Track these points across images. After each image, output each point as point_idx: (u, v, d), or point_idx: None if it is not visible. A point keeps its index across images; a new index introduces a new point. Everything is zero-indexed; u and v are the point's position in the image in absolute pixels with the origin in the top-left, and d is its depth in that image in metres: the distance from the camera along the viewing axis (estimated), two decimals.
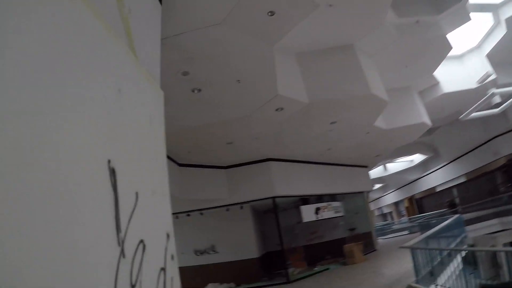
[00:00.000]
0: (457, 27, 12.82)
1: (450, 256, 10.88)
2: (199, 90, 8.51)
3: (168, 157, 12.11)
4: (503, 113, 21.07)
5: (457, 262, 11.48)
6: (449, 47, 13.16)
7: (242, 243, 16.08)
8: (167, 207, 3.33)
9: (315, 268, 16.66)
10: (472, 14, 12.64)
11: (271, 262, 17.43)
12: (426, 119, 15.71)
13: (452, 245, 13.70)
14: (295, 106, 10.11)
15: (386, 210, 53.71)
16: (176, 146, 11.57)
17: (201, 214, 15.68)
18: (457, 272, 10.24)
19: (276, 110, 10.00)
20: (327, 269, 16.34)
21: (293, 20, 8.05)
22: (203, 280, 15.88)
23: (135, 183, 2.54)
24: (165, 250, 3.02)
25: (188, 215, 15.74)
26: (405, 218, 42.00)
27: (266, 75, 8.84)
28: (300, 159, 16.27)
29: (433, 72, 15.39)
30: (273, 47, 8.61)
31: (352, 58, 10.33)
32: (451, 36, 13.06)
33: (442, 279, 9.38)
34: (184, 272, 14.58)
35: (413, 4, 11.38)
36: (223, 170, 14.60)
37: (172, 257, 3.15)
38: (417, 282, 9.07)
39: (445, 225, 14.01)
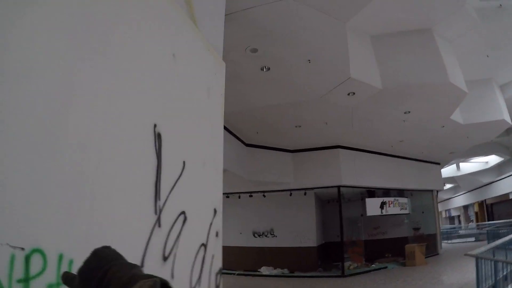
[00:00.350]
0: None
1: None
2: (268, 69, 8.27)
3: (235, 136, 12.12)
4: None
5: None
6: None
7: (301, 230, 15.87)
8: (218, 182, 3.22)
9: (373, 265, 16.16)
10: None
11: (329, 253, 17.21)
12: (507, 117, 14.50)
13: None
14: (368, 91, 9.66)
15: (454, 213, 51.84)
16: (244, 125, 11.52)
17: (264, 196, 15.57)
18: None
19: (348, 94, 9.62)
20: (385, 267, 15.82)
21: None
22: (258, 262, 15.87)
23: (183, 151, 2.45)
24: (209, 225, 2.92)
25: (251, 195, 15.71)
26: (473, 224, 40.05)
27: (338, 56, 8.46)
28: (369, 149, 15.75)
29: None
30: (346, 25, 8.21)
31: (430, 43, 9.71)
32: None
33: None
34: (240, 252, 14.72)
35: None
36: (290, 153, 14.41)
37: (217, 234, 3.05)
38: None
39: None
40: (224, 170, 10.58)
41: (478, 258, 8.13)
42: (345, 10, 7.84)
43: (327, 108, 10.52)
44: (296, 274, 14.91)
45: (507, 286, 8.22)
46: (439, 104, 11.28)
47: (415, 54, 9.63)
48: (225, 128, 10.78)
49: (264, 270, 15.43)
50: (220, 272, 3.11)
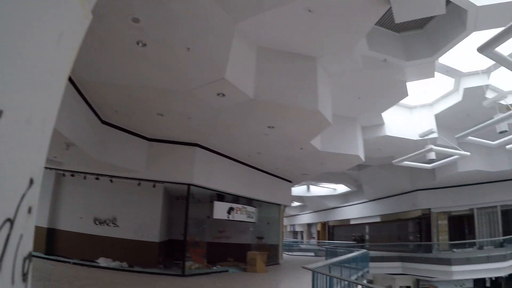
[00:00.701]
0: (419, 79, 13.31)
1: (349, 287, 10.60)
2: (144, 45, 7.57)
3: (93, 110, 11.05)
4: (432, 170, 22.51)
5: None
6: (405, 94, 13.46)
7: (145, 224, 15.25)
8: (42, 147, 2.60)
9: (214, 268, 16.10)
10: (437, 73, 13.20)
11: (171, 251, 16.72)
12: (361, 154, 15.99)
13: (353, 277, 13.55)
14: (239, 97, 9.52)
15: (298, 229, 54.72)
16: (105, 100, 10.48)
17: (111, 181, 14.59)
18: None
19: (218, 94, 9.36)
20: (226, 271, 15.86)
21: (264, 3, 7.60)
22: (96, 252, 14.82)
23: (2, 97, 1.87)
24: (21, 198, 2.32)
25: (98, 178, 14.58)
26: (314, 241, 42.89)
27: (218, 53, 8.21)
28: (227, 154, 15.71)
29: (382, 112, 15.78)
30: (236, 25, 8.09)
31: (310, 70, 10.19)
32: (410, 85, 13.42)
33: None
34: (78, 238, 13.56)
35: (387, 44, 11.71)
36: (146, 141, 13.58)
37: (30, 210, 2.43)
38: None
39: (351, 257, 13.78)
40: (72, 144, 9.54)
41: (314, 272, 8.35)
42: (240, 9, 7.69)
43: (194, 103, 10.11)
44: (135, 268, 14.14)
45: None
46: (303, 128, 11.77)
47: (294, 76, 10.01)
48: (83, 98, 9.90)
49: (102, 261, 14.46)
50: (30, 257, 2.47)
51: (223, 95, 9.36)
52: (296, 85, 10.11)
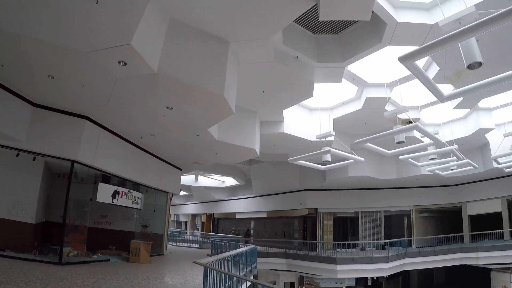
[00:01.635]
0: (326, 82, 13.63)
1: (238, 282, 10.31)
2: None
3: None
4: (323, 172, 23.34)
5: None
6: (310, 94, 13.58)
7: (20, 201, 13.64)
8: None
9: (95, 256, 14.83)
10: (344, 80, 13.68)
11: (48, 234, 15.18)
12: (257, 148, 15.92)
13: (243, 272, 13.34)
14: (141, 69, 8.64)
15: (182, 219, 54.15)
16: None
17: None
18: None
19: (119, 62, 8.34)
20: (108, 260, 14.73)
21: None
22: None
23: None
24: None
25: None
26: (198, 232, 42.51)
27: (129, 16, 7.43)
28: (118, 133, 14.56)
29: (284, 109, 15.86)
30: None
31: (222, 53, 9.84)
32: (316, 87, 13.55)
33: None
34: None
35: (301, 41, 11.74)
36: (31, 106, 11.82)
37: None
38: None
39: (242, 252, 13.63)
40: None
41: (206, 268, 8.18)
42: None
43: (91, 68, 8.93)
44: (6, 253, 12.44)
45: None
46: (204, 113, 11.35)
47: (204, 57, 9.62)
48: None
49: None
50: None
51: (125, 63, 8.38)
52: (204, 67, 9.59)
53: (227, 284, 8.98)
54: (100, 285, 9.48)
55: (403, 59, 6.65)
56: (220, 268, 9.64)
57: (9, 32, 7.62)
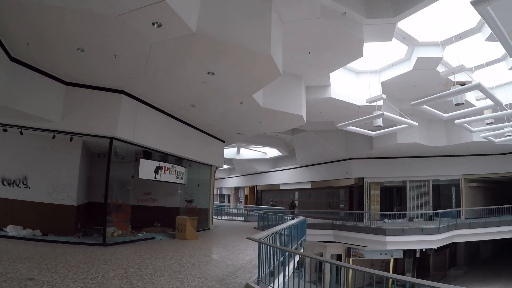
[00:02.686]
0: (376, 40, 12.52)
1: (290, 256, 9.82)
2: None
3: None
4: (370, 140, 22.29)
5: (293, 264, 10.58)
6: (359, 54, 12.66)
7: (61, 184, 13.25)
8: None
9: (139, 234, 14.53)
10: (393, 39, 12.68)
11: (91, 216, 14.98)
12: (304, 114, 15.05)
13: (294, 246, 12.84)
14: (178, 30, 7.85)
15: (225, 192, 54.21)
16: (13, 28, 8.37)
17: (21, 133, 12.38)
18: (290, 274, 9.06)
19: (153, 24, 7.54)
20: (153, 238, 14.30)
21: None
22: (4, 218, 12.82)
23: None
24: None
25: (5, 129, 12.31)
26: (241, 205, 42.32)
27: None
28: (157, 106, 13.90)
29: (331, 72, 14.86)
30: None
31: (265, 9, 9.12)
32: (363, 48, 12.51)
33: (279, 280, 8.11)
34: None
35: None
36: (63, 85, 11.43)
37: None
38: (258, 282, 7.65)
39: (292, 225, 12.96)
40: None
41: (260, 243, 7.88)
42: None
43: (123, 35, 8.19)
44: (49, 237, 12.23)
45: (283, 269, 7.90)
46: (249, 76, 10.50)
47: (245, 14, 8.80)
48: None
49: (11, 229, 12.47)
50: None
51: (160, 25, 7.59)
52: (247, 24, 8.74)
53: (280, 259, 8.60)
54: (146, 265, 8.99)
55: (476, 3, 6.02)
56: (274, 242, 9.27)
57: (28, 1, 6.95)
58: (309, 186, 33.80)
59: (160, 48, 8.78)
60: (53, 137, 12.02)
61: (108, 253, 10.45)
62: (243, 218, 30.40)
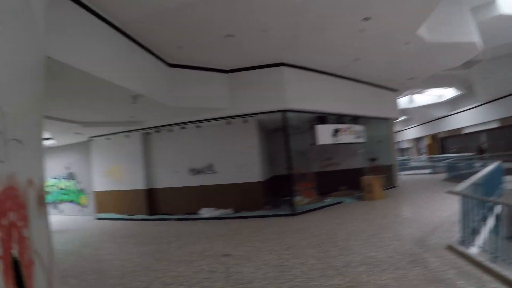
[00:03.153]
0: None
1: (490, 210, 8.51)
2: None
3: (154, 54, 9.97)
4: None
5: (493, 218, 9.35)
6: None
7: (244, 164, 13.94)
8: None
9: (326, 200, 14.60)
10: None
11: (277, 188, 15.56)
12: (477, 39, 13.14)
13: (492, 196, 11.31)
14: None
15: (405, 145, 52.13)
16: (162, 37, 9.11)
17: (198, 127, 13.66)
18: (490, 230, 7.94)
19: None
20: (340, 202, 14.26)
21: None
22: (198, 203, 14.25)
23: None
24: None
25: (183, 127, 13.87)
26: (424, 156, 39.94)
27: None
28: (320, 69, 13.61)
29: None
30: None
31: None
32: None
33: (481, 238, 7.12)
34: (177, 193, 12.89)
35: None
36: (225, 74, 12.16)
37: None
38: (461, 242, 6.81)
39: (488, 172, 11.37)
40: (139, 96, 8.15)
41: (463, 196, 7.12)
42: None
43: (264, 7, 8.08)
44: (241, 214, 13.18)
45: (484, 226, 7.37)
46: (406, 12, 9.39)
47: None
48: (138, 44, 9.21)
49: (205, 212, 13.80)
50: None
51: None
52: None
53: (482, 211, 7.70)
54: (338, 231, 8.99)
55: None
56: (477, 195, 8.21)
57: (168, 6, 7.38)
58: (496, 124, 30.02)
59: (307, 8, 8.44)
60: (228, 123, 12.79)
61: (298, 222, 10.79)
62: (428, 170, 28.74)
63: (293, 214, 12.19)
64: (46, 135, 16.13)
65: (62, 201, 18.92)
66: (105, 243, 10.66)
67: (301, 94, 12.57)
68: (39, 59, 4.57)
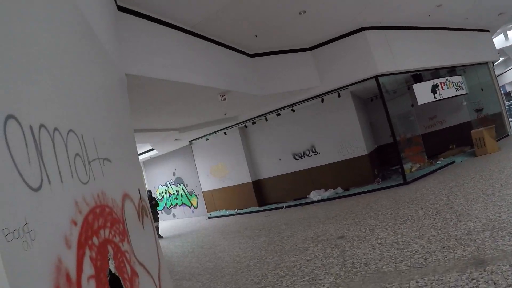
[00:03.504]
0: None
1: None
2: None
3: (234, 49, 10.14)
4: None
5: None
6: None
7: (346, 139, 13.58)
8: None
9: (438, 162, 13.75)
10: None
11: (384, 159, 15.21)
12: None
13: None
14: None
15: (509, 88, 48.27)
16: (236, 30, 9.09)
17: (293, 110, 13.55)
18: None
19: None
20: (453, 162, 13.31)
21: None
22: (306, 187, 14.25)
23: None
24: None
25: (278, 114, 13.87)
26: None
27: None
28: (403, 25, 12.68)
29: None
30: None
31: None
32: None
33: None
34: (283, 180, 13.29)
35: None
36: (308, 53, 11.86)
37: None
38: None
39: None
40: (227, 92, 8.07)
41: None
42: None
43: None
44: (351, 191, 12.81)
45: None
46: None
47: None
48: (215, 42, 9.21)
49: (315, 194, 13.70)
50: None
51: None
52: None
53: None
54: (455, 195, 8.31)
55: None
56: None
57: None
58: None
59: None
60: (322, 100, 12.55)
61: (411, 191, 10.18)
62: None
63: (405, 183, 11.57)
64: (147, 146, 16.98)
65: (174, 206, 19.75)
66: (217, 240, 10.87)
67: (389, 56, 11.83)
68: (117, 77, 4.68)
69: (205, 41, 8.78)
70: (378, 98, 13.20)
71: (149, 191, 12.80)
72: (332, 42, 11.73)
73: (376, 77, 11.70)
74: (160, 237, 12.94)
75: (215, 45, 9.19)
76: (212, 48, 9.07)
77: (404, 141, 13.38)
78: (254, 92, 10.57)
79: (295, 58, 11.66)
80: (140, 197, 4.44)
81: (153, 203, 13.43)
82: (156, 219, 12.66)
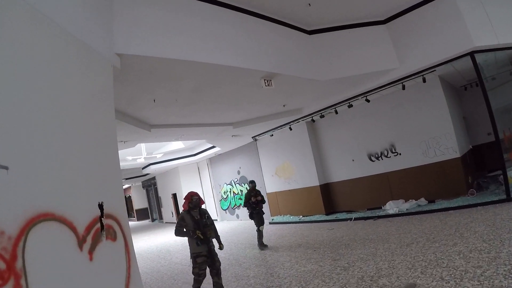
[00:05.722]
0: None
1: None
2: None
3: (289, 25, 8.66)
4: None
5: None
6: None
7: (433, 137, 10.80)
8: None
9: None
10: None
11: (481, 163, 12.45)
12: None
13: None
14: None
15: None
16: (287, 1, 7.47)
17: (368, 101, 11.14)
18: None
19: None
20: None
21: None
22: (382, 195, 11.96)
23: None
24: None
25: (350, 105, 11.56)
26: None
27: None
28: None
29: None
30: None
31: None
32: None
33: None
34: (356, 185, 12.87)
35: None
36: (381, 26, 9.35)
37: None
38: None
39: None
40: (273, 76, 8.08)
41: None
42: None
43: None
44: (437, 204, 10.19)
45: None
46: None
47: None
48: (269, 19, 8.14)
49: (391, 206, 11.22)
50: None
51: None
52: None
53: None
54: None
55: None
56: None
57: None
58: None
59: None
60: (403, 87, 10.15)
61: None
62: None
63: (509, 199, 8.56)
64: (208, 144, 15.73)
65: (238, 206, 18.47)
66: (259, 257, 9.17)
67: (487, 25, 8.52)
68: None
69: (239, 13, 7.18)
70: (473, 87, 10.57)
71: (252, 181, 10.33)
72: (411, 10, 8.96)
73: (471, 54, 8.65)
74: (264, 246, 10.17)
75: (254, 17, 7.54)
76: (250, 21, 7.44)
77: (509, 139, 10.14)
78: (310, 76, 8.57)
79: (365, 33, 9.28)
80: (103, 213, 3.61)
81: (259, 198, 10.66)
82: (261, 221, 10.16)
